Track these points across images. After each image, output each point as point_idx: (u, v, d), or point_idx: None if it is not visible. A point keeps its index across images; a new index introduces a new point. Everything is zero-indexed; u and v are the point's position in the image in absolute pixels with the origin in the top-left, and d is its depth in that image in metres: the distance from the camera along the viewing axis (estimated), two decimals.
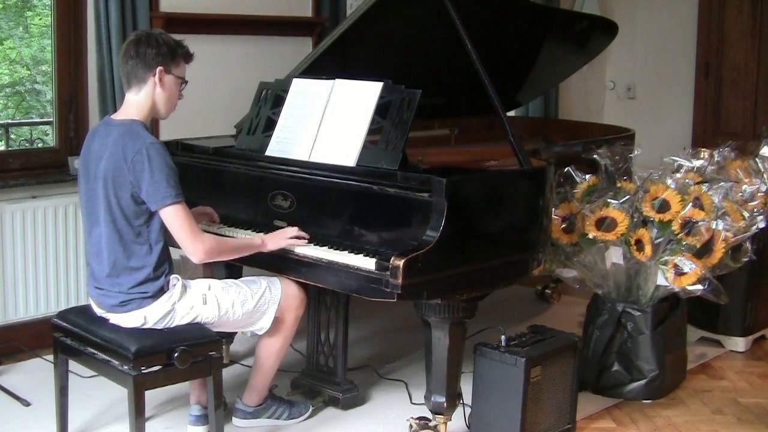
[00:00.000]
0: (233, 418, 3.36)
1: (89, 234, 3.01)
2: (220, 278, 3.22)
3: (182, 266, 3.04)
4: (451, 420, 3.20)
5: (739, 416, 3.62)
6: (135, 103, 2.98)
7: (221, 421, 3.06)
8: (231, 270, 3.64)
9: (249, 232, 3.30)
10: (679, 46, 6.21)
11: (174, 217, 2.87)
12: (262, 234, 3.20)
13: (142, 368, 2.84)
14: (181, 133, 3.97)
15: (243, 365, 3.95)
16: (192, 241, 2.89)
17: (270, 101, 3.52)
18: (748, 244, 3.84)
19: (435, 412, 3.17)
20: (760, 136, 4.58)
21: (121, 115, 3.00)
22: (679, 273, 3.55)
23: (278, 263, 3.15)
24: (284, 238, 3.12)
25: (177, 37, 3.05)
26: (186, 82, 3.06)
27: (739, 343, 4.36)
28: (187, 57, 3.06)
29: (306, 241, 3.11)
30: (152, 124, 4.07)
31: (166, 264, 2.98)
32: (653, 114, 6.23)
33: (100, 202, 2.93)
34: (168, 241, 2.98)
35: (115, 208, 2.90)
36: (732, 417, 3.62)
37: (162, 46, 2.96)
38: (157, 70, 2.95)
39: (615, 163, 3.84)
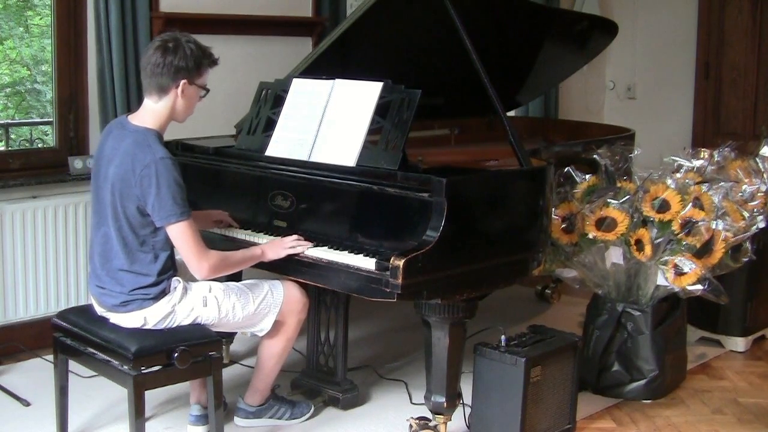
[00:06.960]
0: (235, 418, 3.36)
1: (96, 231, 2.99)
2: (221, 280, 3.22)
3: (184, 268, 3.04)
4: (451, 420, 3.20)
5: (739, 416, 3.62)
6: (153, 112, 2.94)
7: (221, 421, 3.06)
8: None
9: (249, 232, 3.30)
10: (679, 46, 6.21)
11: (179, 236, 2.86)
12: (261, 244, 3.16)
13: (142, 368, 2.84)
14: (181, 133, 3.95)
15: (243, 365, 3.95)
16: (197, 260, 2.88)
17: (270, 101, 3.52)
18: (748, 244, 3.84)
19: (435, 412, 3.17)
20: (760, 136, 4.58)
21: (137, 119, 2.95)
22: (679, 273, 3.55)
23: (278, 263, 3.14)
24: (283, 248, 3.08)
25: None
26: (208, 90, 3.02)
27: (739, 343, 4.36)
28: (212, 64, 3.01)
29: (306, 249, 3.08)
30: None
31: (171, 270, 2.97)
32: (653, 114, 6.23)
33: (107, 205, 2.92)
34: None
35: (120, 216, 2.88)
36: (732, 417, 3.62)
37: (189, 58, 2.89)
38: (181, 83, 2.90)
39: (615, 163, 3.84)
